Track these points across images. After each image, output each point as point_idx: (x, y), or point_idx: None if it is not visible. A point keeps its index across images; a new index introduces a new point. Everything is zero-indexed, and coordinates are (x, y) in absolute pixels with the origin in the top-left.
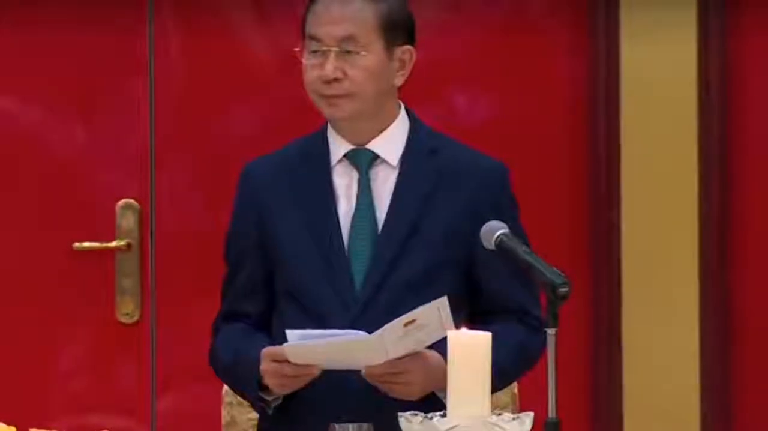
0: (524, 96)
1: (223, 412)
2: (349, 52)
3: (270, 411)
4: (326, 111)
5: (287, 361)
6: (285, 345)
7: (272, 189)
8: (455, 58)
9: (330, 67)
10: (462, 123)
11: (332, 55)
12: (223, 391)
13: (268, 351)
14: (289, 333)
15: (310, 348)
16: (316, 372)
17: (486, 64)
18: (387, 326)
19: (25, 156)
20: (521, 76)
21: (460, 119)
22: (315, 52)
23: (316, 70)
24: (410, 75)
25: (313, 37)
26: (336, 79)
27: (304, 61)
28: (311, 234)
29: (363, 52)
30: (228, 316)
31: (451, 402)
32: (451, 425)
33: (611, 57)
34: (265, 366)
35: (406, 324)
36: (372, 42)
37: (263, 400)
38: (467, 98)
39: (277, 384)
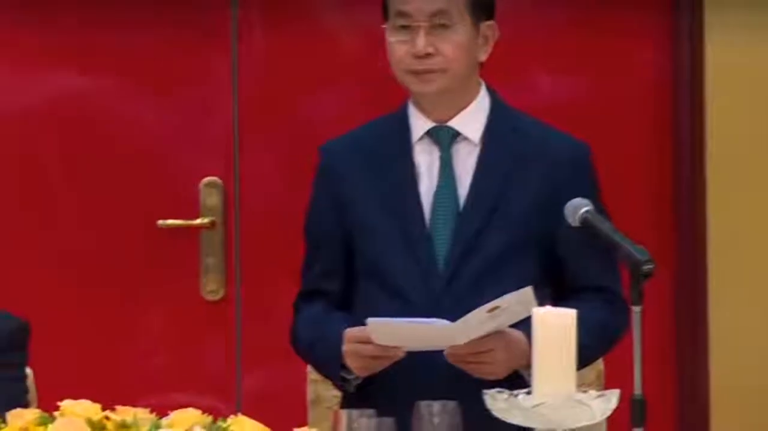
0: (607, 77)
1: (308, 389)
2: (441, 26)
3: (351, 390)
4: (416, 87)
5: (370, 343)
6: (368, 325)
7: (351, 168)
8: (537, 37)
9: (422, 42)
10: (544, 103)
11: (423, 30)
12: (308, 368)
13: (350, 332)
14: (369, 320)
15: (393, 328)
16: (400, 354)
17: (570, 43)
18: (469, 314)
19: (111, 135)
20: (605, 57)
21: (541, 98)
22: (404, 27)
23: (405, 46)
24: (492, 53)
25: (401, 13)
26: (428, 54)
27: (389, 38)
28: (392, 212)
29: (454, 27)
30: (308, 295)
31: (536, 379)
32: (536, 402)
33: (695, 40)
34: (348, 347)
35: (489, 311)
36: (462, 17)
37: (344, 379)
38: (549, 78)
39: (360, 366)
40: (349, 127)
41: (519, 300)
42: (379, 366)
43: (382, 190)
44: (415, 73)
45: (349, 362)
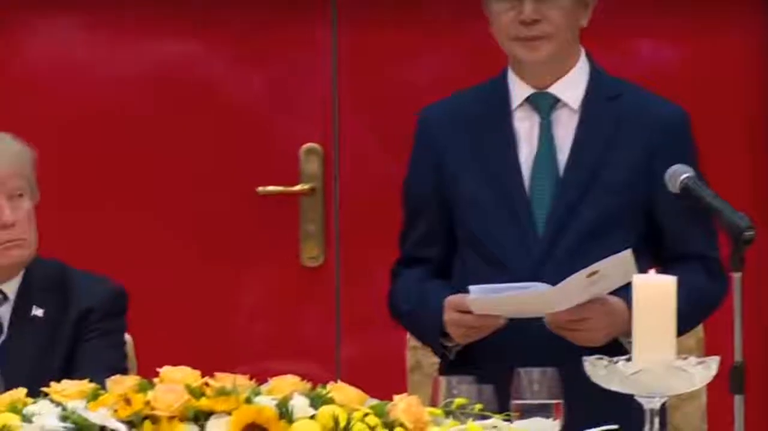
0: (705, 44)
1: (408, 356)
2: None
3: (451, 357)
4: (522, 53)
5: (471, 311)
6: (469, 298)
7: (450, 134)
8: (636, 3)
9: (529, 9)
10: (641, 69)
11: None
12: (408, 335)
13: (451, 301)
14: (471, 288)
15: (493, 298)
16: (501, 323)
17: (669, 9)
18: (569, 278)
19: (211, 102)
20: (703, 24)
21: (639, 64)
22: None
23: (511, 13)
24: (591, 21)
25: None
26: (535, 21)
27: (494, 6)
28: (492, 179)
29: None
30: (407, 261)
31: (636, 346)
32: (636, 369)
33: None
34: (449, 316)
35: (589, 275)
36: None
37: (444, 347)
38: (647, 44)
39: (461, 334)
40: (447, 92)
41: (618, 264)
42: (480, 335)
43: (481, 156)
44: (522, 40)
45: (451, 330)
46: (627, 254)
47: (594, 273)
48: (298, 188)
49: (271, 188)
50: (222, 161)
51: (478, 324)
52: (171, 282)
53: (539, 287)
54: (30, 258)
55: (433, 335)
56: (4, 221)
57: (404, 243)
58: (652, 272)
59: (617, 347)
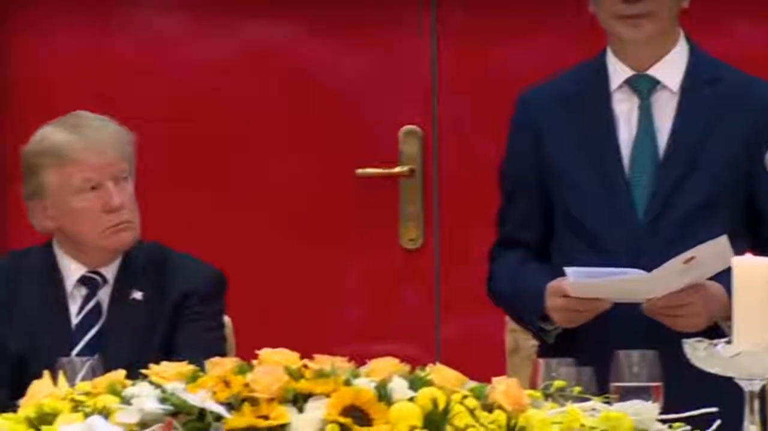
0: None
1: (507, 338)
2: None
3: (551, 341)
4: (626, 32)
5: (573, 297)
6: (567, 280)
7: (549, 117)
8: None
9: None
10: (741, 51)
11: None
12: (507, 317)
13: (554, 285)
14: (567, 270)
15: (591, 282)
16: (605, 307)
17: None
18: (666, 264)
19: (311, 85)
20: None
21: (739, 47)
22: None
23: None
24: (692, 4)
25: None
26: None
27: None
28: (591, 161)
29: None
30: (506, 243)
31: (736, 328)
32: (736, 351)
33: None
34: (552, 302)
35: (685, 262)
36: None
37: (543, 330)
38: (748, 28)
39: (564, 318)
40: (547, 74)
41: (714, 250)
42: (583, 319)
43: (581, 138)
44: (625, 18)
45: (553, 315)
46: (723, 240)
47: (691, 259)
48: (397, 170)
49: (370, 170)
50: (322, 143)
51: (584, 308)
52: (270, 264)
53: (636, 273)
54: (135, 241)
55: (532, 318)
56: (113, 204)
57: (502, 225)
58: (748, 255)
59: (716, 330)
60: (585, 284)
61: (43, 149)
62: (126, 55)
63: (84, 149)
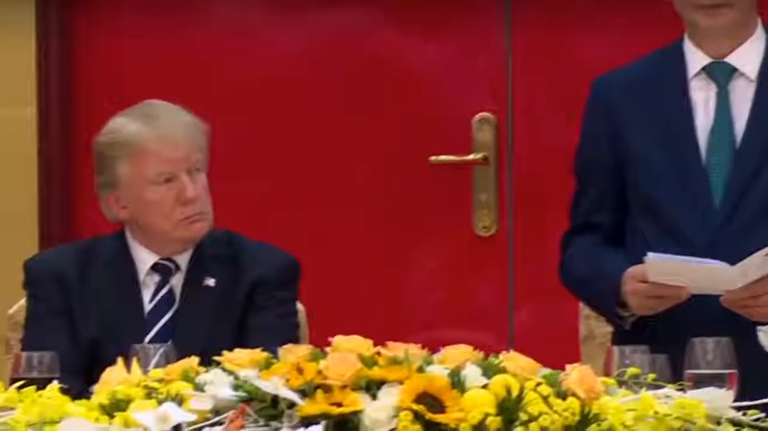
0: None
1: (581, 325)
2: None
3: (627, 327)
4: (703, 20)
5: (653, 282)
6: (646, 265)
7: (625, 103)
8: None
9: None
10: None
11: None
12: (581, 304)
13: (632, 271)
14: (649, 255)
15: (671, 268)
16: (683, 296)
17: None
18: (747, 259)
19: (385, 72)
20: None
21: None
22: None
23: None
24: None
25: None
26: None
27: None
28: (667, 148)
29: None
30: (579, 228)
31: None
32: None
33: None
34: (631, 286)
35: (767, 254)
36: None
37: (619, 316)
38: None
39: (642, 305)
40: (621, 61)
41: None
42: (660, 306)
43: (657, 125)
44: (704, 7)
45: (631, 301)
46: None
47: None
48: (471, 157)
49: (444, 157)
50: (395, 130)
51: (662, 294)
52: (344, 251)
53: (717, 264)
54: (208, 231)
55: (608, 303)
56: (187, 196)
57: (576, 210)
58: None
59: None
60: (665, 271)
61: (116, 141)
62: (204, 46)
63: (158, 141)
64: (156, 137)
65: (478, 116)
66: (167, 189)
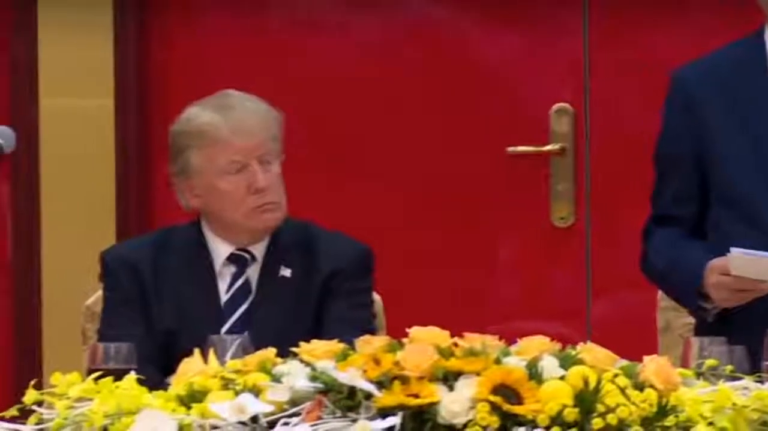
0: None
1: (659, 317)
2: None
3: (710, 319)
4: None
5: (736, 275)
6: (729, 258)
7: (706, 93)
8: None
9: None
10: None
11: None
12: (659, 296)
13: (716, 263)
14: (732, 249)
15: (753, 263)
16: (767, 290)
17: None
18: None
19: (463, 63)
20: None
21: None
22: None
23: None
24: None
25: None
26: None
27: None
28: (752, 139)
29: None
30: (660, 220)
31: None
32: None
33: None
34: (715, 279)
35: None
36: None
37: (701, 308)
38: None
39: (725, 298)
40: (699, 53)
41: None
42: (742, 300)
43: (739, 115)
44: None
45: (714, 293)
46: None
47: None
48: (548, 148)
49: (521, 148)
50: (473, 121)
51: (745, 287)
52: (420, 242)
53: None
54: (281, 221)
55: (691, 295)
56: (258, 186)
57: (657, 202)
58: None
59: None
60: (747, 265)
61: (189, 130)
62: (280, 36)
63: (230, 131)
64: (228, 126)
65: (555, 107)
66: (239, 178)
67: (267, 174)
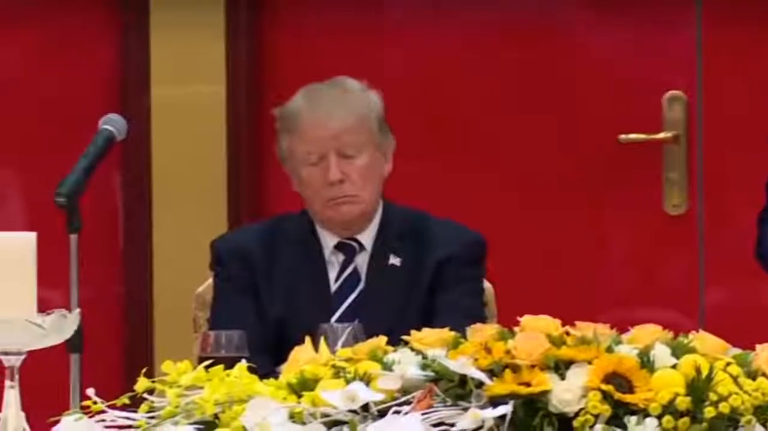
0: None
1: None
2: None
3: None
4: None
5: None
6: None
7: None
8: None
9: None
10: None
11: None
12: None
13: None
14: None
15: None
16: None
17: None
18: None
19: (574, 50)
20: None
21: None
22: None
23: None
24: None
25: None
26: None
27: None
28: None
29: None
30: None
31: None
32: None
33: None
34: None
35: None
36: None
37: None
38: None
39: None
40: None
41: None
42: None
43: None
44: None
45: None
46: None
47: None
48: (661, 135)
49: (633, 135)
50: (585, 109)
51: None
52: (532, 230)
53: None
54: (362, 214)
55: None
56: (330, 179)
57: None
58: None
59: None
60: None
61: (282, 114)
62: (388, 27)
63: (308, 120)
64: (308, 116)
65: (668, 94)
66: (316, 169)
67: (345, 167)
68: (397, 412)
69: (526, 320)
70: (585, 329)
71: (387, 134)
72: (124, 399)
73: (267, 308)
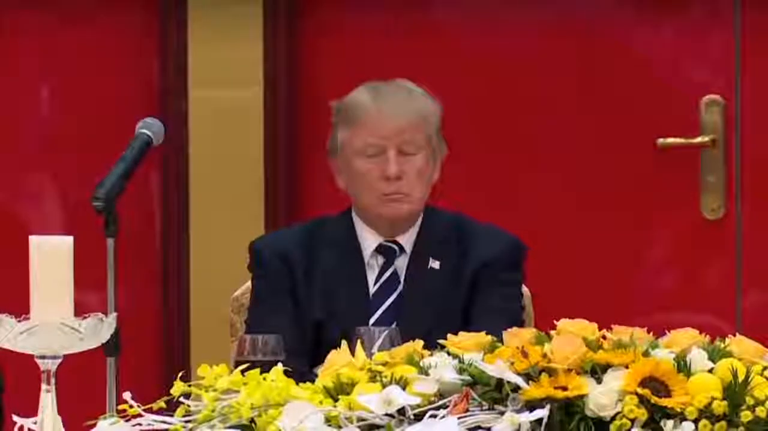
0: None
1: None
2: None
3: None
4: None
5: None
6: None
7: None
8: None
9: None
10: None
11: None
12: None
13: None
14: None
15: None
16: None
17: None
18: None
19: (612, 53)
20: None
21: None
22: None
23: None
24: None
25: None
26: None
27: None
28: None
29: None
30: None
31: None
32: None
33: None
34: None
35: None
36: None
37: None
38: None
39: None
40: None
41: None
42: None
43: None
44: None
45: None
46: None
47: None
48: (698, 140)
49: (671, 139)
50: (622, 113)
51: None
52: (569, 234)
53: None
54: (411, 213)
55: None
56: (388, 173)
57: None
58: None
59: None
60: None
61: (342, 107)
62: (427, 29)
63: (373, 114)
64: (373, 110)
65: (706, 98)
66: (374, 162)
67: (404, 164)
68: (434, 416)
69: (562, 324)
70: (622, 333)
71: (442, 142)
72: (161, 403)
73: (305, 310)
